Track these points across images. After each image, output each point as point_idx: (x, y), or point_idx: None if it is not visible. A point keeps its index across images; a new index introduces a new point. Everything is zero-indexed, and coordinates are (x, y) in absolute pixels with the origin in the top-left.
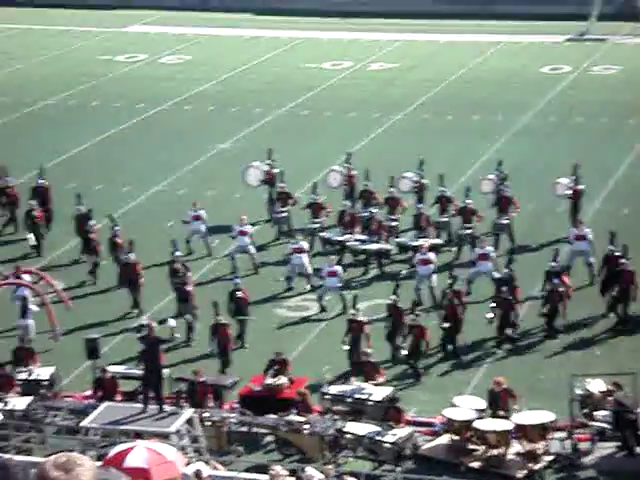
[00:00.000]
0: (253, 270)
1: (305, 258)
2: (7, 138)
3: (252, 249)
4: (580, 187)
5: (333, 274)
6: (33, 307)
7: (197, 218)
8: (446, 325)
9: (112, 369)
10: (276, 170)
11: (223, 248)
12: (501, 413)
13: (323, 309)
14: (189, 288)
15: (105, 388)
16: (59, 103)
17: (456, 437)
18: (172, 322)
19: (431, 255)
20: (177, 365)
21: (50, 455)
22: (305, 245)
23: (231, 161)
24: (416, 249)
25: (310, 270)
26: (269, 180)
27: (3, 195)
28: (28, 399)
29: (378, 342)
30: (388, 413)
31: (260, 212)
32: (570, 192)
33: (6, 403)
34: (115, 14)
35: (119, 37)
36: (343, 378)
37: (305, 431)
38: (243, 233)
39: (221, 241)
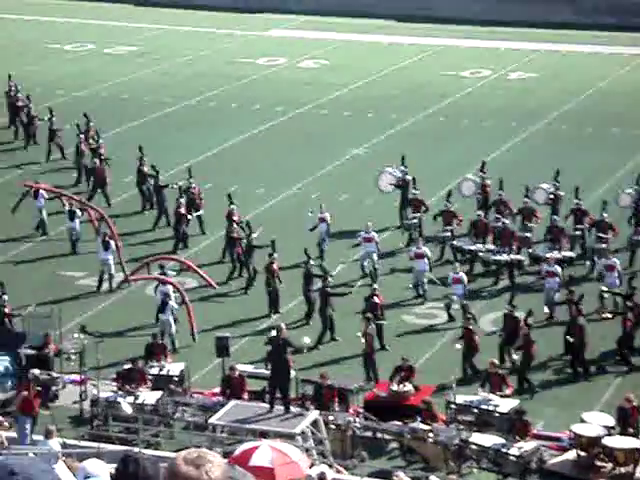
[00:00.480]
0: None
1: (426, 263)
2: (148, 137)
3: (375, 256)
4: None
5: (457, 281)
6: (173, 304)
7: (322, 220)
8: (570, 340)
9: (240, 368)
10: (409, 176)
11: (352, 252)
12: (630, 431)
13: (451, 318)
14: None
15: (233, 386)
16: (200, 104)
17: (583, 453)
18: (307, 340)
19: (557, 267)
20: (306, 369)
21: (178, 450)
22: (427, 250)
23: (365, 166)
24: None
25: (426, 277)
26: (402, 186)
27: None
28: (158, 394)
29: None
30: (514, 425)
31: (391, 218)
32: None
33: (137, 397)
34: (259, 17)
35: (261, 40)
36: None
37: (429, 440)
38: (368, 240)
39: (350, 245)
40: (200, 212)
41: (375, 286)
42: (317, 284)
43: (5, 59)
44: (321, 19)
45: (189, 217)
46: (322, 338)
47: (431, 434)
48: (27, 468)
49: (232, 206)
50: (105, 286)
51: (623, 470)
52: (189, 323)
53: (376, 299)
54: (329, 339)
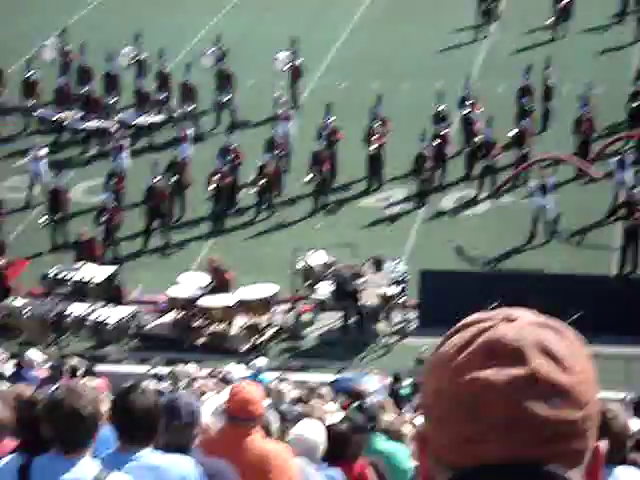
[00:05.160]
0: None
1: None
2: None
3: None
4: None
5: None
6: None
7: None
8: None
9: None
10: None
11: None
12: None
13: None
14: None
15: None
16: None
17: (180, 315)
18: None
19: None
20: None
21: None
22: None
23: None
24: None
25: None
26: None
27: None
28: None
29: None
30: (111, 293)
31: None
32: None
33: None
34: None
35: None
36: None
37: (26, 314)
38: None
39: None
40: None
41: None
42: None
43: None
44: None
45: None
46: None
47: (27, 308)
48: None
49: None
50: None
51: (219, 328)
52: None
53: None
54: None
